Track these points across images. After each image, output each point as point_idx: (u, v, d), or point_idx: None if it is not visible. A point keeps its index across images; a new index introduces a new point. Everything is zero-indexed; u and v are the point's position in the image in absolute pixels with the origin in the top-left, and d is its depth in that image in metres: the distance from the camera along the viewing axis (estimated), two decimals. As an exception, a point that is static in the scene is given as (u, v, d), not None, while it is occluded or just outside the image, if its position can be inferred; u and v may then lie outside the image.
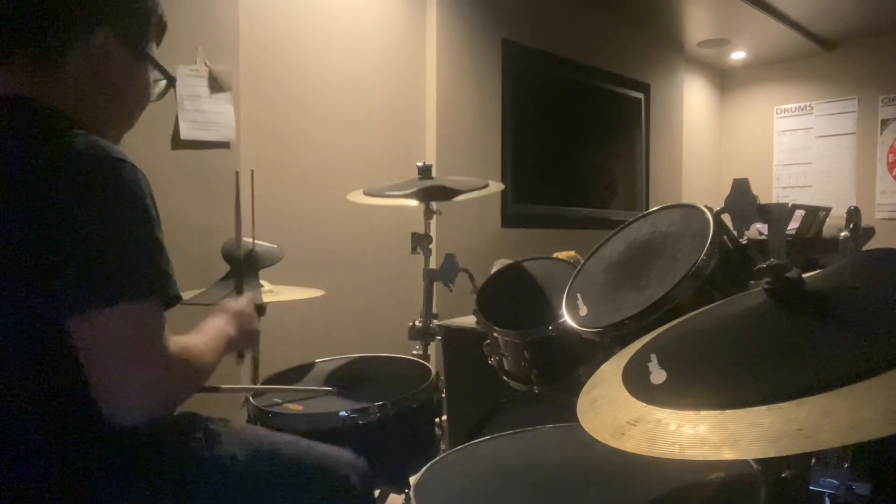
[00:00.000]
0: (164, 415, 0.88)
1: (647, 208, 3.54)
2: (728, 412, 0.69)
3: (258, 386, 1.55)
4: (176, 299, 0.91)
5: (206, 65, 2.49)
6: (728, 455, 0.65)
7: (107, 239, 0.85)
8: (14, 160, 0.86)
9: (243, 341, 1.23)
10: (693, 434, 0.70)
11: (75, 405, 0.88)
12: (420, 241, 2.14)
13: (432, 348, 2.17)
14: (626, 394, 0.84)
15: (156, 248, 0.89)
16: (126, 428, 0.88)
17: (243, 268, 1.53)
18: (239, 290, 1.46)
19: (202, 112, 2.50)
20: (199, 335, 1.03)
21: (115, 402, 0.84)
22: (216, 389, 1.38)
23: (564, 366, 1.73)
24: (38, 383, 0.88)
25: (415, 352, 2.08)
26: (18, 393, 0.88)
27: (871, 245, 2.09)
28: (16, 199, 0.85)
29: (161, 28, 1.10)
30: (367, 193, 2.14)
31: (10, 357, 0.87)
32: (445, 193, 2.10)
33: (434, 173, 2.17)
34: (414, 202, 2.18)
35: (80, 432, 0.90)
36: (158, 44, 1.12)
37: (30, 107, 0.93)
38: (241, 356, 1.35)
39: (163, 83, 1.15)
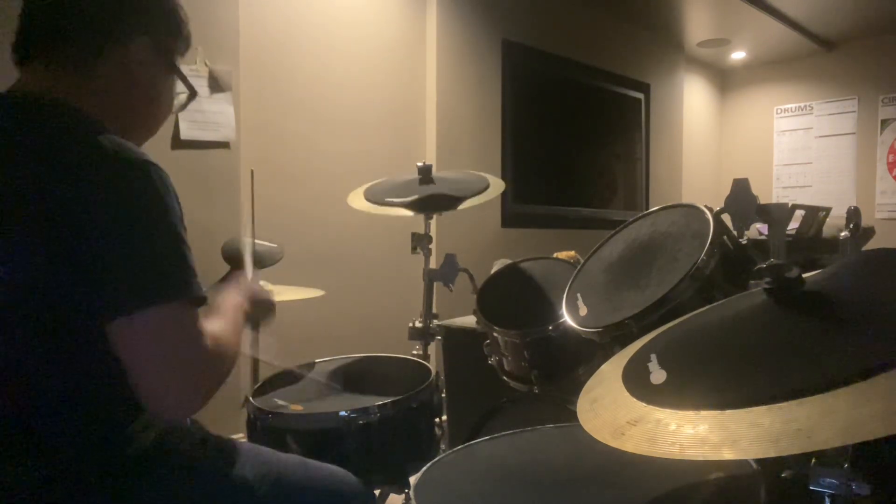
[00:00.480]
0: (204, 406, 0.90)
1: (647, 208, 3.54)
2: (728, 412, 0.69)
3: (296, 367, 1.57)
4: (204, 298, 0.93)
5: (206, 65, 2.50)
6: (728, 455, 0.65)
7: (142, 242, 0.87)
8: (41, 160, 0.86)
9: (259, 312, 1.26)
10: (693, 434, 0.70)
11: (99, 408, 0.90)
12: (420, 241, 2.14)
13: (432, 348, 2.16)
14: (626, 394, 0.84)
15: (186, 249, 0.91)
16: (147, 433, 0.92)
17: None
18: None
19: (202, 112, 2.50)
20: (221, 319, 1.03)
21: (160, 398, 0.86)
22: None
23: (564, 366, 1.73)
24: (70, 387, 0.89)
25: (415, 352, 2.08)
26: (51, 397, 0.89)
27: (871, 245, 2.09)
28: (45, 200, 0.84)
29: (187, 42, 1.12)
30: (367, 199, 2.13)
31: (33, 361, 0.88)
32: (446, 203, 2.09)
33: (434, 172, 2.17)
34: (412, 213, 2.17)
35: (100, 434, 0.92)
36: (185, 53, 1.14)
37: (57, 108, 0.93)
38: (256, 327, 1.36)
39: (184, 95, 1.16)
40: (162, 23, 1.04)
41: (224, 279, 1.36)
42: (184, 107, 1.18)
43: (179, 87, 1.13)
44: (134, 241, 0.86)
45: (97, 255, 0.84)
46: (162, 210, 0.89)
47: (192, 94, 1.16)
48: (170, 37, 1.06)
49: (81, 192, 0.84)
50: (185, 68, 1.12)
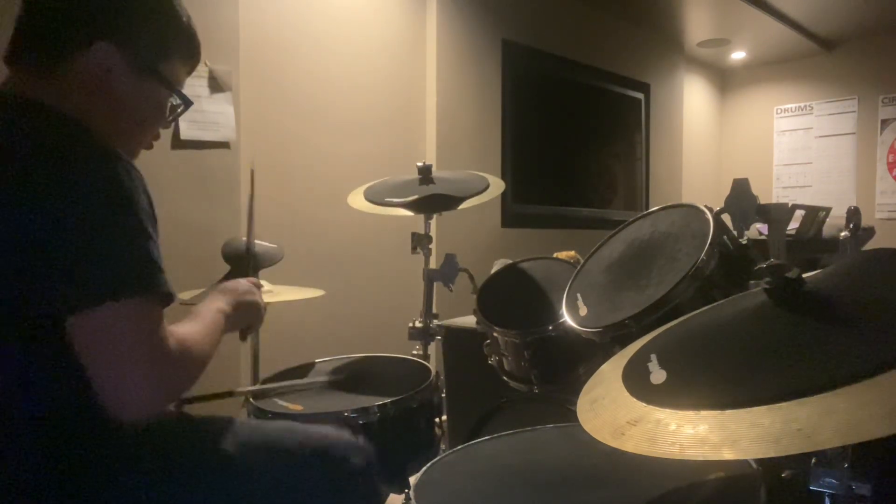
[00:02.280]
0: (165, 408, 0.88)
1: (647, 208, 3.54)
2: (728, 412, 0.69)
3: (257, 387, 1.56)
4: (169, 296, 0.90)
5: (206, 65, 2.50)
6: (728, 455, 0.65)
7: (102, 235, 0.85)
8: (16, 159, 0.86)
9: (244, 317, 1.21)
10: (693, 434, 0.70)
11: (70, 404, 0.88)
12: (420, 241, 2.14)
13: (432, 348, 2.16)
14: (626, 394, 0.84)
15: (151, 245, 0.89)
16: (123, 427, 0.88)
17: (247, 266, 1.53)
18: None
19: (202, 112, 2.50)
20: (194, 322, 1.02)
21: (117, 399, 0.84)
22: (229, 394, 1.38)
23: (564, 366, 1.73)
24: (35, 383, 0.88)
25: (415, 352, 2.08)
26: (16, 393, 0.87)
27: (871, 245, 2.09)
28: (14, 196, 0.84)
29: (188, 44, 1.09)
30: (367, 199, 2.13)
31: (9, 358, 0.87)
32: (446, 203, 2.08)
33: (434, 172, 2.17)
34: (412, 213, 2.16)
35: (73, 431, 0.89)
36: (188, 64, 1.11)
37: (34, 108, 0.93)
38: (244, 335, 1.31)
39: (179, 108, 1.13)
40: (129, 27, 1.01)
41: (220, 281, 1.35)
42: (176, 116, 1.15)
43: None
44: (94, 234, 0.84)
45: (57, 249, 0.82)
46: (125, 203, 0.87)
47: (186, 104, 1.13)
48: (144, 42, 1.02)
49: (42, 184, 0.84)
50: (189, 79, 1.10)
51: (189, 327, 0.98)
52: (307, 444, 1.07)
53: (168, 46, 1.06)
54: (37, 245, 0.83)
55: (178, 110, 1.13)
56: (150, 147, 1.12)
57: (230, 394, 1.44)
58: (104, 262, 0.84)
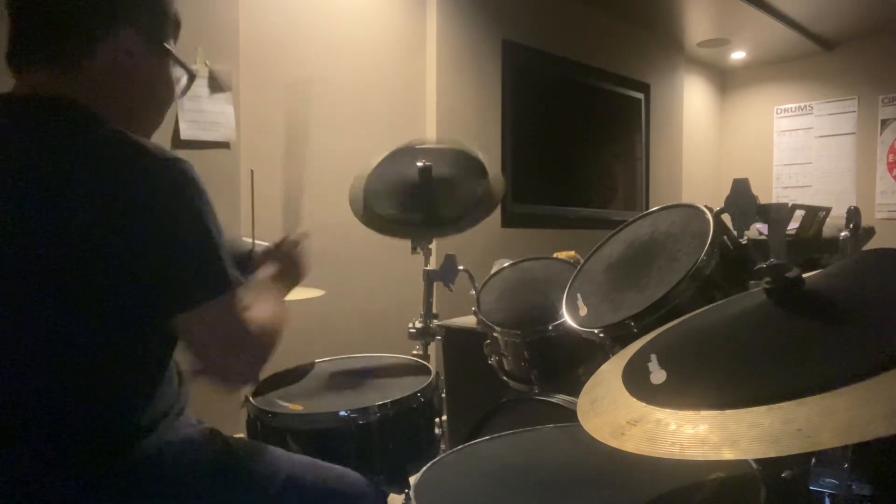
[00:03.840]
0: (256, 377, 1.02)
1: (647, 208, 3.54)
2: (728, 412, 0.69)
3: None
4: (239, 283, 0.97)
5: (206, 65, 2.49)
6: (728, 455, 0.65)
7: (180, 246, 0.90)
8: (72, 169, 0.88)
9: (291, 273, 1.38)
10: (693, 434, 0.70)
11: (101, 418, 0.92)
12: (420, 242, 2.14)
13: (432, 348, 2.16)
14: (626, 394, 0.84)
15: (220, 242, 0.94)
16: (149, 444, 0.96)
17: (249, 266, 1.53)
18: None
19: (202, 112, 2.50)
20: (262, 302, 1.07)
21: (223, 378, 0.97)
22: None
23: (564, 366, 1.73)
24: (62, 391, 0.90)
25: (415, 352, 2.07)
26: (43, 396, 0.89)
27: (871, 245, 2.09)
28: (65, 200, 0.86)
29: (177, 25, 1.12)
30: (367, 216, 2.10)
31: (36, 360, 0.89)
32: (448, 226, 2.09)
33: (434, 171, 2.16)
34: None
35: (103, 448, 0.93)
36: (175, 41, 1.14)
37: (65, 107, 0.94)
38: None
39: (184, 79, 1.17)
40: (144, 10, 1.04)
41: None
42: (185, 90, 1.20)
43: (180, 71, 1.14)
44: (172, 246, 0.90)
45: (135, 259, 0.87)
46: (195, 208, 0.92)
47: (191, 76, 1.17)
48: (155, 22, 1.05)
49: (110, 190, 0.87)
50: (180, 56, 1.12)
51: (259, 309, 1.03)
52: (328, 483, 1.15)
53: (167, 22, 1.08)
54: (103, 253, 0.87)
55: (187, 84, 1.19)
56: (159, 124, 1.15)
57: None
58: (192, 271, 0.91)
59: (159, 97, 1.09)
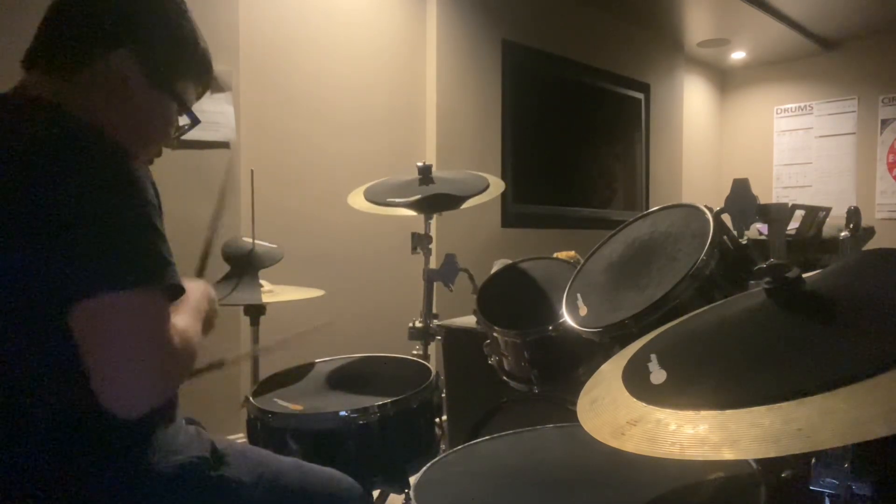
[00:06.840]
0: (160, 402, 0.86)
1: (647, 208, 3.54)
2: (728, 412, 0.69)
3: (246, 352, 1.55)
4: (179, 288, 0.90)
5: (206, 65, 2.49)
6: (728, 455, 0.65)
7: (105, 227, 0.85)
8: (22, 152, 0.87)
9: (211, 316, 1.21)
10: (693, 434, 0.70)
11: (79, 406, 0.88)
12: (420, 242, 2.14)
13: (432, 348, 2.16)
14: (626, 394, 0.84)
15: (159, 238, 0.89)
16: (133, 440, 0.92)
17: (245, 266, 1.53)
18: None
19: (202, 112, 2.48)
20: (188, 315, 1.02)
21: (115, 393, 0.82)
22: (220, 364, 1.35)
23: (564, 366, 1.73)
24: (47, 387, 0.88)
25: (415, 352, 2.08)
26: (23, 393, 0.88)
27: (871, 245, 2.09)
28: (27, 191, 0.85)
29: (201, 67, 1.11)
30: (368, 199, 2.13)
31: (18, 352, 0.87)
32: (447, 203, 2.08)
33: (434, 172, 2.17)
34: (414, 213, 2.17)
35: (85, 447, 0.90)
36: (201, 85, 1.13)
37: (49, 110, 0.94)
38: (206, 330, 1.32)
39: (185, 124, 1.15)
40: (148, 38, 1.02)
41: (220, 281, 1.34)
42: (182, 133, 1.17)
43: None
44: (99, 225, 0.84)
45: (62, 239, 0.82)
46: (133, 196, 0.87)
47: (194, 122, 1.14)
48: (162, 55, 1.04)
49: (56, 178, 0.84)
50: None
51: (185, 321, 0.98)
52: (312, 485, 1.13)
53: (183, 66, 1.08)
54: (52, 238, 0.83)
55: (185, 128, 1.16)
56: (150, 163, 1.12)
57: (221, 364, 1.40)
58: (107, 253, 0.84)
59: (150, 131, 1.07)
